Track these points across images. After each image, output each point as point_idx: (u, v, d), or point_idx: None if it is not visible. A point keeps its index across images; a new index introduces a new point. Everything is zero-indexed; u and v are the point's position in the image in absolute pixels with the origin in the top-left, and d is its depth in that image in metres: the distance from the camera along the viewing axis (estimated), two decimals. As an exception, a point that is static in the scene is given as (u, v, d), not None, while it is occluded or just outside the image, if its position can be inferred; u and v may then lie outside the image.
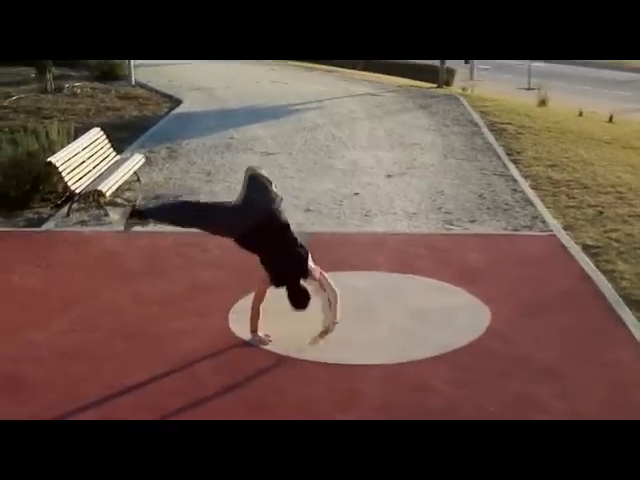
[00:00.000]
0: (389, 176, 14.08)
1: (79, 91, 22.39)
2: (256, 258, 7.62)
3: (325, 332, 7.63)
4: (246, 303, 8.55)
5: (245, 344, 7.76)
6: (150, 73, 25.63)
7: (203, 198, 12.58)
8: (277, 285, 7.59)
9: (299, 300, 7.58)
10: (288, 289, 7.55)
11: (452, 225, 11.38)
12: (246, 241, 7.61)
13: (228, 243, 10.42)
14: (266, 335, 7.78)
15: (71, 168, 11.85)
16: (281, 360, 7.47)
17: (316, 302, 7.65)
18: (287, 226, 7.65)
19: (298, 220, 11.55)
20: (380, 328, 8.10)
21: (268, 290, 7.72)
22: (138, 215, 7.82)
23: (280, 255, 7.52)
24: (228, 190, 13.07)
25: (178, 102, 21.50)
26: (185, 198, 12.52)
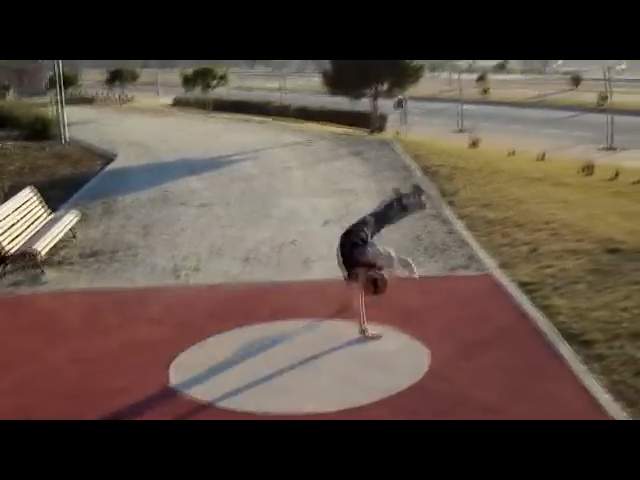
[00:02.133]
0: (326, 222, 14.16)
1: (11, 150, 22.20)
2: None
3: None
4: (187, 358, 8.52)
5: (186, 399, 7.68)
6: (83, 130, 25.54)
7: (141, 252, 12.54)
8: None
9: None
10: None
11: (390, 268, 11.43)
12: None
13: (168, 298, 10.43)
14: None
15: (4, 229, 11.70)
16: (223, 413, 7.40)
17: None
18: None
19: (236, 270, 11.57)
20: (320, 375, 8.08)
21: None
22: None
23: None
24: (166, 243, 13.04)
25: (112, 158, 21.43)
26: (124, 252, 12.47)
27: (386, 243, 12.66)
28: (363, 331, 8.88)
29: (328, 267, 11.59)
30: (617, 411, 7.15)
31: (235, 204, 15.75)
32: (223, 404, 7.53)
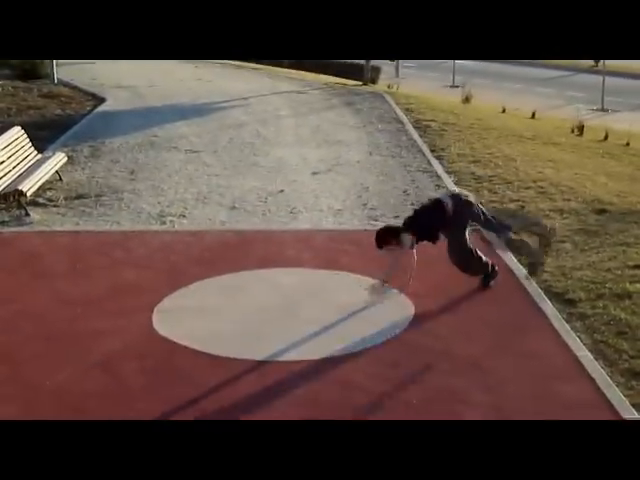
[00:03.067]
0: (314, 173, 14.10)
1: (0, 90, 21.95)
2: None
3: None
4: (170, 302, 8.52)
5: (169, 344, 7.69)
6: (73, 71, 25.24)
7: (127, 196, 12.48)
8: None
9: None
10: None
11: (377, 221, 11.42)
12: None
13: (153, 243, 10.40)
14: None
15: (-10, 168, 11.63)
16: (205, 358, 7.42)
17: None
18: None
19: (223, 217, 11.54)
20: (306, 324, 8.10)
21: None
22: None
23: None
24: (152, 188, 12.97)
25: (102, 100, 21.21)
26: (110, 197, 12.41)
27: (375, 194, 12.69)
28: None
29: (314, 217, 11.60)
30: (597, 369, 7.21)
31: (224, 151, 15.64)
32: (204, 349, 7.55)
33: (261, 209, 12.00)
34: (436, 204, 8.85)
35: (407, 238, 8.60)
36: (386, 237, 8.69)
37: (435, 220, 8.77)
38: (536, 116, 22.25)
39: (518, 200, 12.35)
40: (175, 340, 7.74)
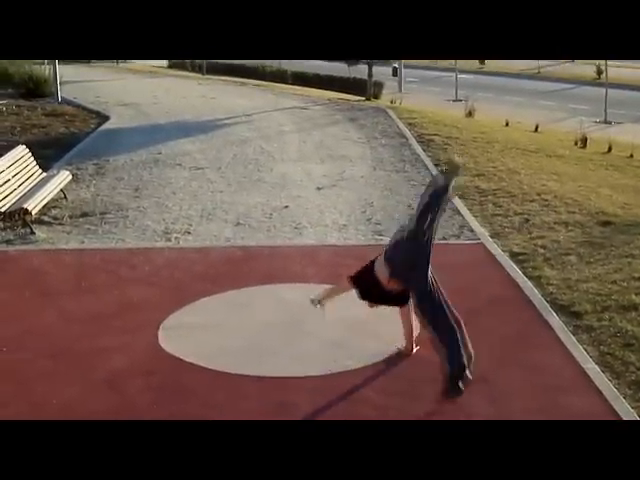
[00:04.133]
0: (319, 188, 14.12)
1: (4, 109, 22.04)
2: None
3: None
4: (176, 319, 8.53)
5: (175, 360, 7.69)
6: (77, 90, 25.36)
7: (132, 214, 12.50)
8: None
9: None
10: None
11: (382, 236, 11.43)
12: None
13: (158, 260, 10.41)
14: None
15: (-5, 187, 11.66)
16: (211, 374, 7.42)
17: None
18: None
19: (228, 234, 11.55)
20: (311, 340, 8.10)
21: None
22: None
23: None
24: (156, 205, 13.00)
25: (105, 118, 21.30)
26: (115, 214, 12.43)
27: (379, 209, 12.71)
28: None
29: (319, 233, 11.61)
30: (604, 381, 7.19)
31: (228, 168, 15.68)
32: (210, 365, 7.54)
33: (266, 225, 12.01)
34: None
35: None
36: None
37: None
38: (539, 129, 22.30)
39: (522, 213, 12.36)
40: (181, 357, 7.74)
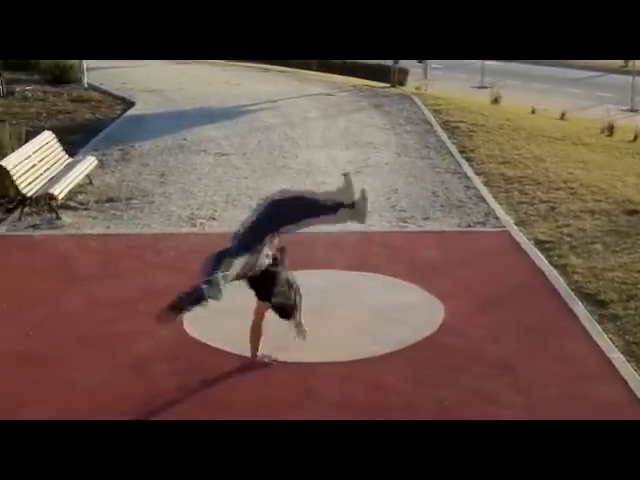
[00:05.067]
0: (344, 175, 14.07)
1: (30, 95, 22.14)
2: None
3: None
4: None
5: (200, 345, 7.73)
6: (103, 76, 25.42)
7: (157, 199, 12.55)
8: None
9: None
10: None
11: (406, 222, 11.43)
12: None
13: (183, 245, 10.44)
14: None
15: (22, 172, 11.72)
16: (237, 360, 7.44)
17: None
18: None
19: (253, 220, 11.55)
20: (336, 326, 8.11)
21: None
22: None
23: None
24: (182, 191, 13.04)
25: (131, 104, 21.34)
26: (140, 200, 12.48)
27: (404, 196, 12.69)
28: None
29: (344, 219, 11.59)
30: (629, 371, 7.17)
31: (252, 154, 15.68)
32: (235, 350, 7.57)
33: (290, 211, 11.99)
34: None
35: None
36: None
37: None
38: (565, 117, 22.12)
39: (548, 201, 12.30)
40: (206, 342, 7.78)
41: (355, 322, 8.18)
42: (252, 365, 7.33)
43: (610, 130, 19.60)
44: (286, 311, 7.36)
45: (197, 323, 8.05)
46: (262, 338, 7.37)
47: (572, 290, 8.93)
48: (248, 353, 7.43)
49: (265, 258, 7.17)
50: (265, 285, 7.22)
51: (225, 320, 8.15)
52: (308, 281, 9.15)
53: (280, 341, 7.71)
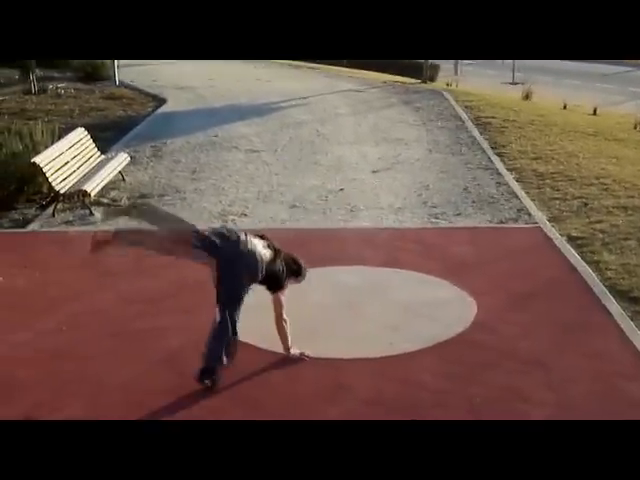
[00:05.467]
0: (374, 171, 14.09)
1: (63, 92, 22.31)
2: None
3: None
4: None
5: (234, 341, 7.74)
6: (134, 73, 25.57)
7: (189, 196, 12.60)
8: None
9: None
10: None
11: (438, 219, 11.41)
12: None
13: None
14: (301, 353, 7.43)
15: (55, 168, 11.82)
16: (268, 356, 7.46)
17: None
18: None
19: (283, 216, 11.59)
20: (367, 322, 8.11)
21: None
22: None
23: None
24: (213, 188, 13.09)
25: (162, 101, 21.46)
26: (173, 196, 12.55)
27: (435, 192, 12.66)
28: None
29: (375, 216, 11.60)
30: (664, 368, 7.12)
31: (284, 151, 15.71)
32: (266, 346, 7.58)
33: (321, 207, 12.03)
34: None
35: None
36: None
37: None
38: (597, 112, 21.97)
39: (581, 197, 12.23)
40: (239, 338, 7.78)
41: (386, 318, 8.18)
42: (282, 361, 7.34)
43: (643, 126, 19.45)
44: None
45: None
46: (291, 336, 7.37)
47: (605, 287, 8.87)
48: (278, 348, 7.44)
49: (267, 253, 7.17)
50: (273, 276, 7.22)
51: (255, 316, 8.16)
52: (340, 277, 9.20)
53: (311, 336, 7.73)
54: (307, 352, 7.41)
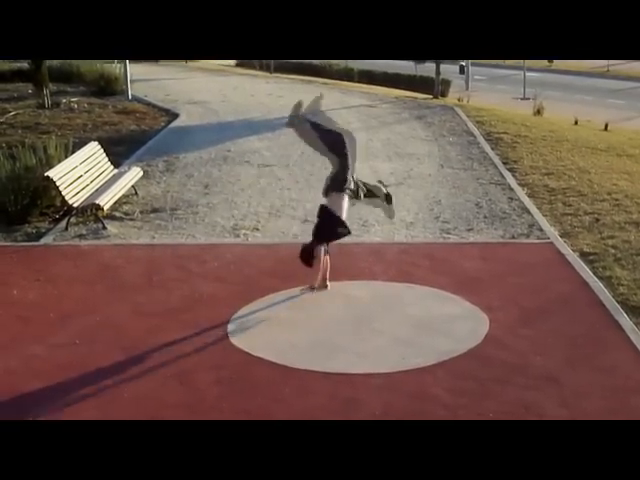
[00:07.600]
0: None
1: (76, 106, 22.40)
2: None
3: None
4: (245, 314, 8.61)
5: (244, 355, 7.77)
6: (147, 88, 25.67)
7: (201, 210, 12.64)
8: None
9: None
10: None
11: (450, 234, 11.41)
12: None
13: (227, 256, 10.51)
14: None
15: (69, 182, 11.88)
16: (280, 370, 7.48)
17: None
18: None
19: (295, 230, 11.62)
20: (379, 337, 8.12)
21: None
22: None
23: None
24: (226, 202, 13.13)
25: (175, 116, 21.53)
26: (185, 210, 12.59)
27: (447, 207, 12.67)
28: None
29: (386, 230, 11.61)
30: (677, 384, 7.10)
31: (295, 165, 15.75)
32: (278, 360, 7.60)
33: (333, 222, 12.02)
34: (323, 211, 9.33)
35: (319, 250, 8.96)
36: (307, 256, 8.94)
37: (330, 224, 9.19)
38: (609, 128, 21.98)
39: (593, 212, 12.22)
40: (250, 351, 7.82)
41: (398, 333, 8.18)
42: (295, 375, 7.36)
43: (655, 141, 19.44)
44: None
45: (241, 333, 8.11)
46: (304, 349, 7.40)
47: (617, 302, 8.86)
48: (292, 364, 7.47)
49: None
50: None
51: (269, 330, 8.21)
52: (352, 292, 9.22)
53: (323, 350, 7.75)
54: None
